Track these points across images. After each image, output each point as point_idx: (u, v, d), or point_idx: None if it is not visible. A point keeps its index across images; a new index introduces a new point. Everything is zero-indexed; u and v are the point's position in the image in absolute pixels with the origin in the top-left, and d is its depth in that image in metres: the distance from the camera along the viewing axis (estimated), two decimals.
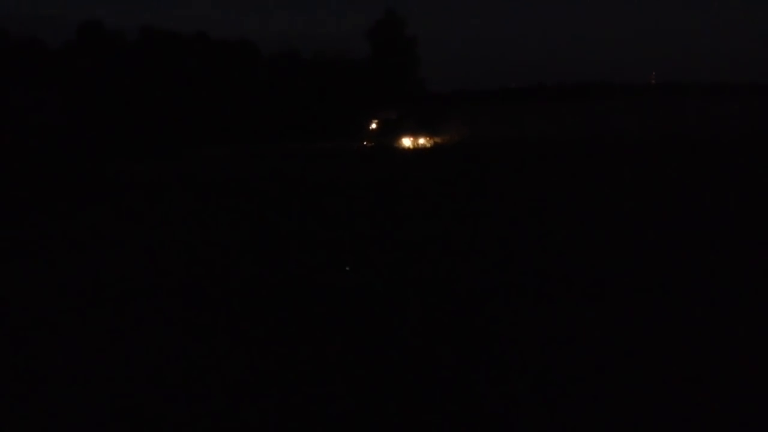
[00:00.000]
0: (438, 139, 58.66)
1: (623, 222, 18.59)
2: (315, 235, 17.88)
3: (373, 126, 62.14)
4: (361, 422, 7.52)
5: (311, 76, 67.92)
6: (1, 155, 49.39)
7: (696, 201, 21.81)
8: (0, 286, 13.71)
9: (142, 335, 10.35)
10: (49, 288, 13.29)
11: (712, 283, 12.15)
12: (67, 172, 41.20)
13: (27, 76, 59.03)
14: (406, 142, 58.59)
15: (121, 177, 37.13)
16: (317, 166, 40.59)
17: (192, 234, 18.87)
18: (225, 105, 63.70)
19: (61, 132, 57.01)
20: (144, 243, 17.62)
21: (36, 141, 54.55)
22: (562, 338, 9.71)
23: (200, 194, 27.87)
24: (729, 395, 7.87)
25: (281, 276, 13.53)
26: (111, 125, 59.28)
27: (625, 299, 11.44)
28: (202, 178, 35.02)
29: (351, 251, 15.57)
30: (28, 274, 14.47)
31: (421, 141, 58.66)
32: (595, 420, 7.42)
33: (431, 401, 7.90)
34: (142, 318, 11.19)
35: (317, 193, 27.18)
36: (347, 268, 12.23)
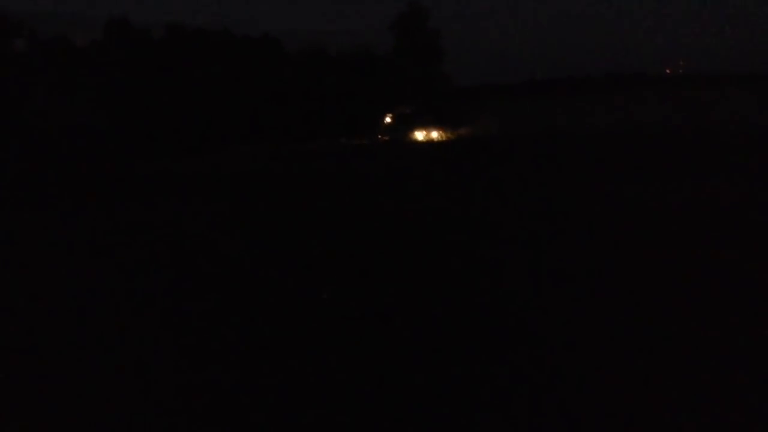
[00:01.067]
0: (453, 133, 58.83)
1: (644, 217, 18.35)
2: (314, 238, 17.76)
3: (388, 120, 62.81)
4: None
5: (335, 72, 67.97)
6: (31, 153, 50.30)
7: (721, 195, 21.48)
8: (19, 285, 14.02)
9: (132, 341, 10.34)
10: (59, 288, 13.56)
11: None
12: (94, 170, 41.85)
13: (56, 74, 59.90)
14: (419, 136, 59.16)
15: (146, 175, 37.62)
16: (328, 163, 40.99)
17: (205, 235, 19.01)
18: (250, 102, 64.03)
19: (89, 130, 57.84)
20: (152, 244, 17.84)
21: (66, 139, 55.42)
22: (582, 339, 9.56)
23: (220, 193, 28.14)
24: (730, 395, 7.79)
25: (282, 279, 13.52)
26: (137, 122, 59.96)
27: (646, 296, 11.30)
28: (223, 176, 35.36)
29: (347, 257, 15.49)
30: (44, 276, 14.72)
31: (434, 135, 59.06)
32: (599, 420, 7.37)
33: (432, 411, 7.80)
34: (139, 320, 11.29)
35: (318, 192, 27.22)
36: (324, 296, 12.16)
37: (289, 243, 17.14)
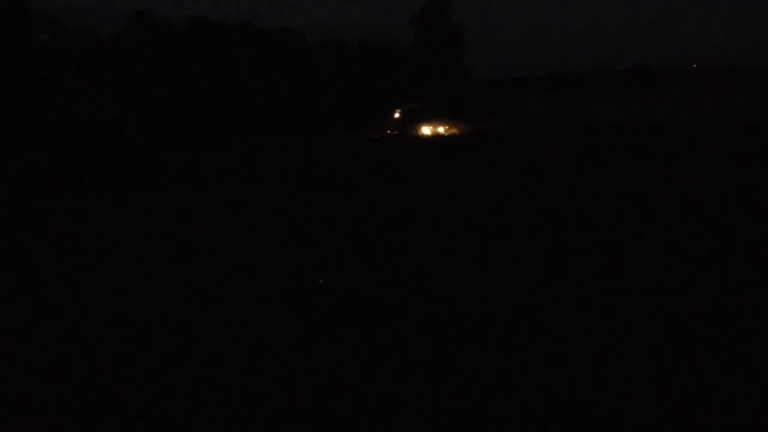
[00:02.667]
0: (462, 128, 59.29)
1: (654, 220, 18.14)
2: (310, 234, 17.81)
3: (396, 115, 63.90)
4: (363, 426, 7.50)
5: (357, 65, 68.01)
6: (57, 144, 50.96)
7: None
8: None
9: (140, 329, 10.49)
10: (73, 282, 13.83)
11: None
12: (119, 159, 42.40)
13: (81, 67, 60.61)
14: (425, 131, 59.98)
15: (168, 166, 38.09)
16: (337, 156, 41.47)
17: (218, 227, 19.21)
18: (271, 95, 64.36)
19: (113, 121, 58.48)
20: (167, 236, 18.09)
21: (91, 130, 56.06)
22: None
23: (237, 186, 28.41)
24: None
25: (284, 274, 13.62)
26: (159, 114, 60.50)
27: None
28: (243, 169, 35.67)
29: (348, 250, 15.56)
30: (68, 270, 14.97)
31: (440, 130, 59.98)
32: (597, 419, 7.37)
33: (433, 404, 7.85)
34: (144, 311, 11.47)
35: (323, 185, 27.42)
36: (321, 281, 12.37)
37: (296, 235, 17.32)
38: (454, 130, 59.72)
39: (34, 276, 13.90)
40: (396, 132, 61.38)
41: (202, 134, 58.36)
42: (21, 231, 19.24)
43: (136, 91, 60.73)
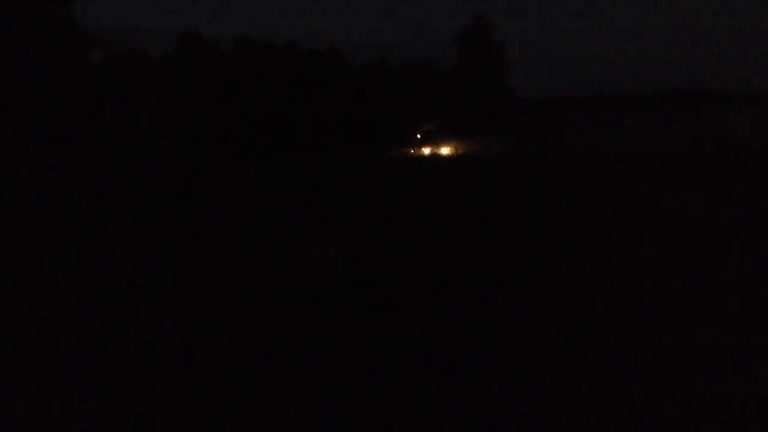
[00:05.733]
0: (473, 148, 60.28)
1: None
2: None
3: (418, 136, 65.64)
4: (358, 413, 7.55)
5: (399, 85, 68.51)
6: (106, 160, 52.40)
7: None
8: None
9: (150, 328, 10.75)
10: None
11: None
12: (165, 175, 43.51)
13: (130, 85, 62.34)
14: (425, 151, 62.44)
15: (211, 181, 38.92)
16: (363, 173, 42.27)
17: (245, 237, 19.56)
18: (313, 113, 65.18)
19: (161, 139, 59.94)
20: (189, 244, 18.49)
21: (138, 146, 57.53)
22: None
23: (268, 202, 28.88)
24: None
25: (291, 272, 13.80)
26: (206, 131, 61.79)
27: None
28: (276, 186, 36.27)
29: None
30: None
31: (444, 151, 61.71)
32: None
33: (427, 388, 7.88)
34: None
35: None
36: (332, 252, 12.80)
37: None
38: (458, 151, 60.98)
39: (66, 282, 14.35)
40: (416, 153, 63.26)
41: (245, 152, 59.37)
42: (61, 241, 19.82)
43: (183, 109, 62.17)
